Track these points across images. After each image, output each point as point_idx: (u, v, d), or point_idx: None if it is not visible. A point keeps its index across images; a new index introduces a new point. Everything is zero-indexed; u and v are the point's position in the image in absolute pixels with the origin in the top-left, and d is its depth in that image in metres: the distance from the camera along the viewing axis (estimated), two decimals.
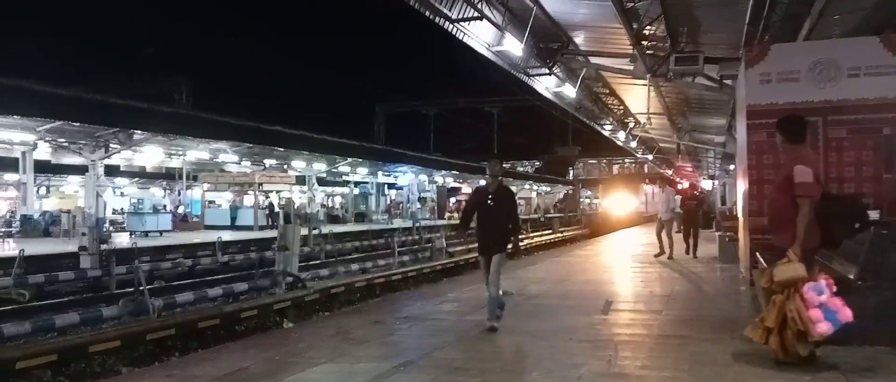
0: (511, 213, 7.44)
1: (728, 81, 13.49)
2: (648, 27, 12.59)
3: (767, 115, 8.90)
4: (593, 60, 16.73)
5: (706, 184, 39.77)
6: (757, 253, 7.63)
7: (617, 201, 41.83)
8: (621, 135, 27.82)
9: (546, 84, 18.19)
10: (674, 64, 12.87)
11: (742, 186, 10.67)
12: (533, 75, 17.09)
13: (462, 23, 13.07)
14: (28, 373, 8.43)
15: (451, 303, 9.30)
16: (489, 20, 12.91)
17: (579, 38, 15.28)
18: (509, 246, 7.37)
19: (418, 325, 7.72)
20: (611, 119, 26.12)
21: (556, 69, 16.57)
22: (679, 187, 24.07)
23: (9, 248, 20.31)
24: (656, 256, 15.25)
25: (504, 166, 8.64)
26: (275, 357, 6.10)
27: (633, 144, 32.11)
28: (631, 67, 14.37)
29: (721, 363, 5.55)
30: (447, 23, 13.04)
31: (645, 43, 13.32)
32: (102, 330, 10.10)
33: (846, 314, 4.94)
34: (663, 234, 15.48)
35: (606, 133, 27.80)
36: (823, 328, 4.90)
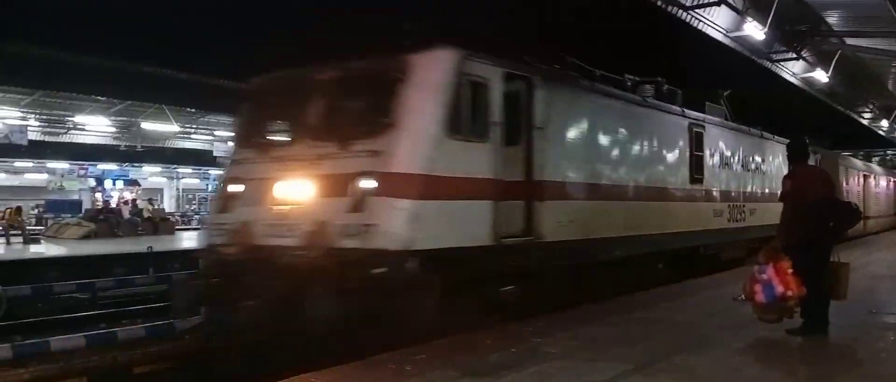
0: None
1: None
2: None
3: None
4: (850, 41, 15.04)
5: None
6: None
7: None
8: (884, 123, 24.61)
9: (792, 69, 16.70)
10: None
11: None
12: (777, 61, 15.79)
13: (697, 10, 12.46)
14: None
15: (689, 307, 8.88)
16: (728, 5, 12.19)
17: (833, 18, 13.82)
18: None
19: (654, 327, 7.46)
20: (871, 106, 23.26)
21: (804, 53, 15.17)
22: None
23: None
24: None
25: None
26: (511, 350, 6.23)
27: None
28: None
29: None
30: (680, 11, 12.51)
31: None
32: None
33: (778, 290, 6.11)
34: None
35: (865, 122, 24.72)
36: (759, 297, 6.31)
